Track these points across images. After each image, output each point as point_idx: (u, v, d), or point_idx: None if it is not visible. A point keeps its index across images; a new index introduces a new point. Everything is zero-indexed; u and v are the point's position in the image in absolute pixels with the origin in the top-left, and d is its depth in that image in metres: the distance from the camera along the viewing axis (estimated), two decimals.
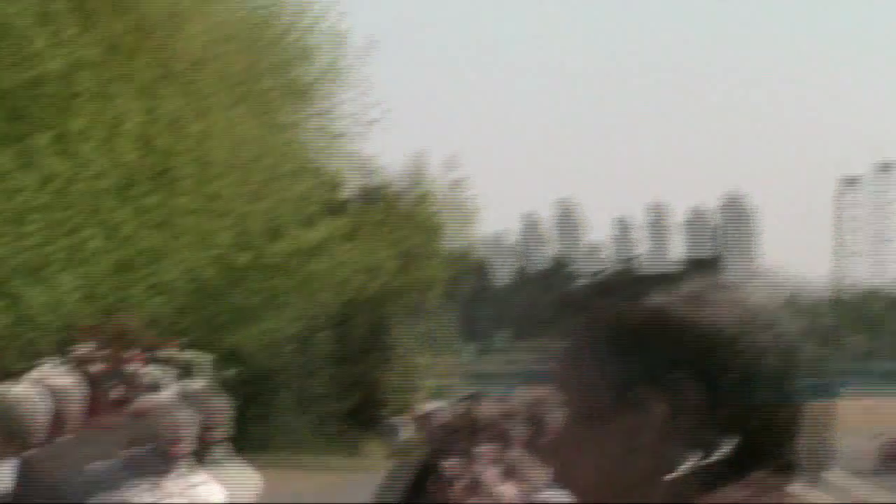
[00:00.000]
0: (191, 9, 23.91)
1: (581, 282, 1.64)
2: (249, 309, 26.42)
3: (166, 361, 12.88)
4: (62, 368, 9.18)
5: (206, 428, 5.47)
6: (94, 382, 9.36)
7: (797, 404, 1.29)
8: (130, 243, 20.78)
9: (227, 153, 23.55)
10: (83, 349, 11.93)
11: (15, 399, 5.30)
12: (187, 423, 5.26)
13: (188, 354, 14.85)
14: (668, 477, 1.27)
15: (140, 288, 20.84)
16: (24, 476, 5.02)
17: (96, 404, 9.87)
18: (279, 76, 26.51)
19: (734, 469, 1.27)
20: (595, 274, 1.54)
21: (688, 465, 1.27)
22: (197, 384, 6.67)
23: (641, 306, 1.34)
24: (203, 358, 16.14)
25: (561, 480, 1.40)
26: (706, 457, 1.27)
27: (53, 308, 18.86)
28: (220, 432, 5.85)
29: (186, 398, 5.54)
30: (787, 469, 1.30)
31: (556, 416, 1.40)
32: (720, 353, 1.29)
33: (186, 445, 5.23)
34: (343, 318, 31.44)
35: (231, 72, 24.49)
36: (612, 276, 1.55)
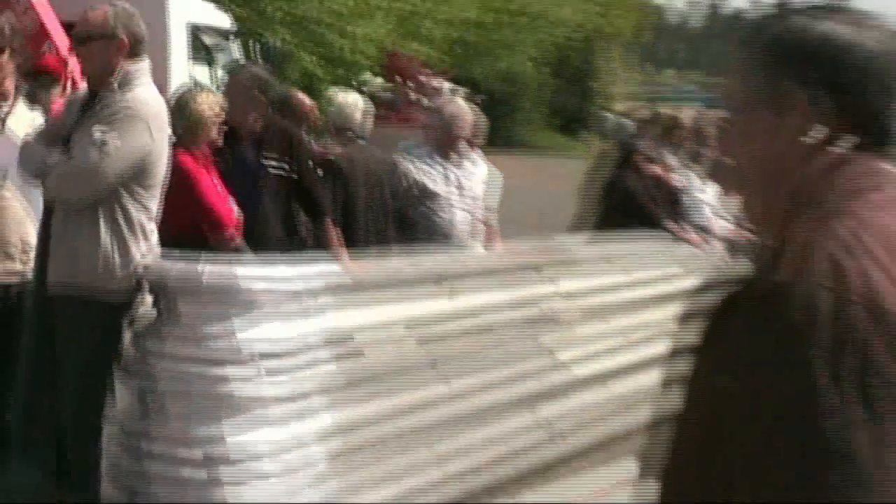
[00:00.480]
0: None
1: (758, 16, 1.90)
2: (493, 49, 33.57)
3: (439, 85, 18.12)
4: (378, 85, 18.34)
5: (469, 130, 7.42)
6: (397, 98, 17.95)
7: None
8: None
9: None
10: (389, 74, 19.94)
11: (345, 103, 7.28)
12: (461, 124, 7.27)
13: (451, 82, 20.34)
14: (809, 147, 1.68)
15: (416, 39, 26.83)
16: (349, 160, 6.89)
17: (399, 111, 17.59)
18: None
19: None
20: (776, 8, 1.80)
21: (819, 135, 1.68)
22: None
23: (808, 28, 1.70)
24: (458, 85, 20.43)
25: (726, 166, 1.80)
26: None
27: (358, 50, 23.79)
28: (480, 133, 8.07)
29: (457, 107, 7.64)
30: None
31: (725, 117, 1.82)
32: (849, 74, 1.67)
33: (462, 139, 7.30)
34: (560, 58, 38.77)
35: None
36: (784, 8, 1.81)
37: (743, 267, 1.75)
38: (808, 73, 1.69)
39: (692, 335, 1.75)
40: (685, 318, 1.84)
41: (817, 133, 1.67)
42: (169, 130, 5.07)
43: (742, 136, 1.77)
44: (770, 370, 1.55)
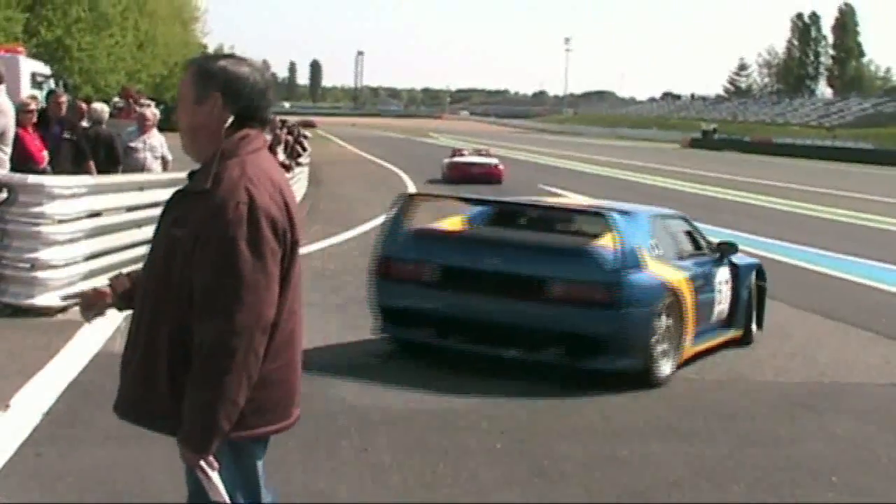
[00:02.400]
0: None
1: None
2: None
3: (145, 101, 33.55)
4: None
5: None
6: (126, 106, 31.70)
7: None
8: None
9: None
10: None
11: (101, 108, 16.86)
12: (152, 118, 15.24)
13: None
14: None
15: None
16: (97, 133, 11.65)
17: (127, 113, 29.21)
18: None
19: None
20: None
21: None
22: None
23: None
24: None
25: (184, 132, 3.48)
26: None
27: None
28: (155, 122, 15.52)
29: None
30: None
31: None
32: None
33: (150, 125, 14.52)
34: None
35: None
36: None
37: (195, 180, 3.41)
38: (221, 87, 3.32)
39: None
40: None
41: (227, 118, 3.32)
42: (14, 116, 11.06)
43: (191, 116, 3.37)
44: (207, 229, 3.19)
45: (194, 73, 3.43)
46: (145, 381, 3.35)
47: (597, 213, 9.84)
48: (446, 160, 41.36)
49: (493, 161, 40.69)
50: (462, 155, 42.94)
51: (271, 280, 3.24)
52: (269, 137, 21.65)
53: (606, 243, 9.19)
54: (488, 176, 38.61)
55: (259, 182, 3.29)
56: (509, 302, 9.26)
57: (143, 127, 15.20)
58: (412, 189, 33.49)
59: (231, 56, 3.51)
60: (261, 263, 3.21)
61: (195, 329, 3.20)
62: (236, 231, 3.19)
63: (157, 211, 11.43)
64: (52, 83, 26.04)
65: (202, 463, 3.22)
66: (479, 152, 44.75)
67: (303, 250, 12.34)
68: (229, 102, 3.35)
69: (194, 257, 3.23)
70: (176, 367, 3.27)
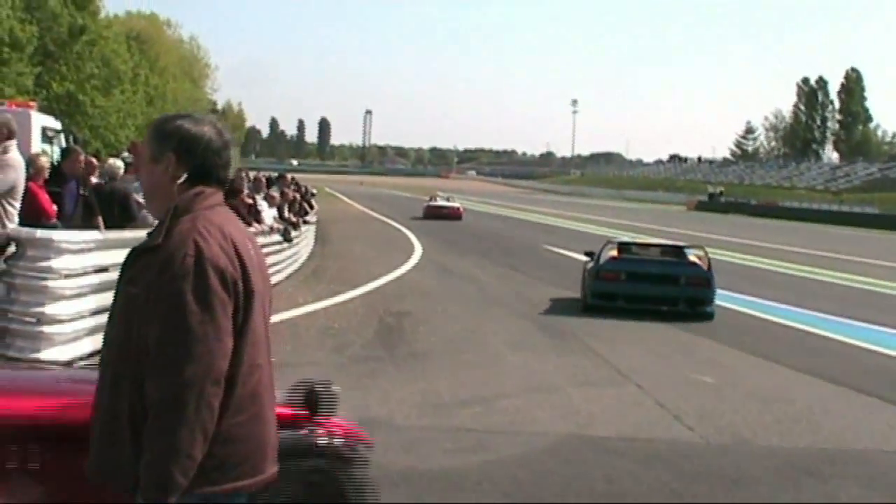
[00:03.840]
0: None
1: None
2: None
3: None
4: None
5: None
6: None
7: None
8: None
9: None
10: None
11: (114, 164, 15.14)
12: None
13: None
14: None
15: None
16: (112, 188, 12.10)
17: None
18: None
19: None
20: None
21: None
22: None
23: None
24: None
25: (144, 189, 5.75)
26: None
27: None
28: None
29: None
30: None
31: None
32: None
33: None
34: None
35: None
36: None
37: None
38: (175, 147, 3.42)
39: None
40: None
41: (181, 176, 3.41)
42: (24, 171, 11.11)
43: (148, 174, 3.49)
44: (156, 283, 3.24)
45: (151, 132, 3.52)
46: (110, 440, 3.36)
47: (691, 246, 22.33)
48: (425, 204, 60.98)
49: (456, 205, 59.99)
50: (435, 200, 62.72)
51: (221, 332, 3.25)
52: (276, 194, 21.79)
53: (702, 261, 20.57)
54: (452, 214, 57.15)
55: (208, 234, 3.33)
56: (663, 287, 19.57)
57: None
58: (417, 247, 33.70)
59: (188, 116, 3.58)
60: (209, 315, 3.23)
61: (147, 385, 3.21)
62: (182, 283, 3.22)
63: None
64: (62, 138, 26.17)
65: None
66: (447, 199, 63.47)
67: (308, 308, 12.37)
68: (183, 161, 3.43)
69: (147, 313, 3.26)
70: (137, 425, 3.27)
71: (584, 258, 21.68)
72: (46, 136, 25.57)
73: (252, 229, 18.03)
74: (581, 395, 11.80)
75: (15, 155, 10.96)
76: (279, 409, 3.93)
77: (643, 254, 21.37)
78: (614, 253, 20.89)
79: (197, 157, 3.44)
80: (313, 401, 5.03)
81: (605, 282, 19.60)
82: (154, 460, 3.17)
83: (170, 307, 3.22)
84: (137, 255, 3.43)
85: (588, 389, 12.17)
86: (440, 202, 61.05)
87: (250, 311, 3.40)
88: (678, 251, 21.32)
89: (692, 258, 20.69)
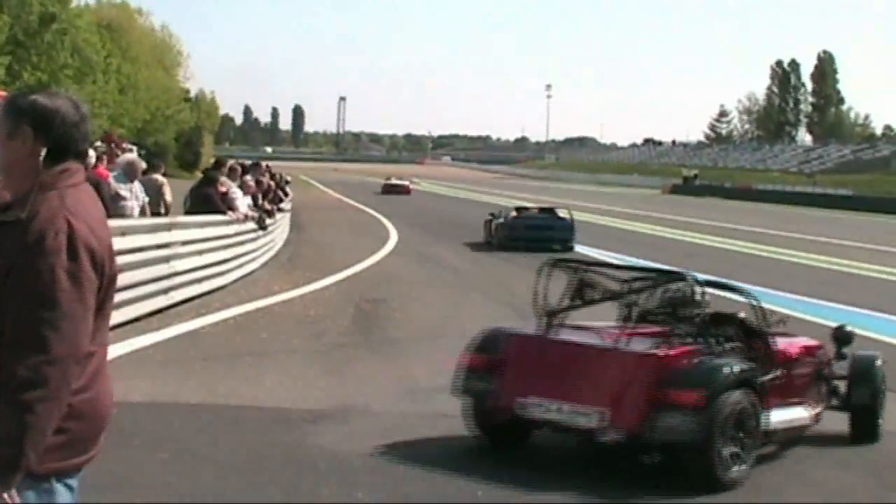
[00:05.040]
0: None
1: None
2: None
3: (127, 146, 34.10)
4: None
5: None
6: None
7: None
8: None
9: None
10: None
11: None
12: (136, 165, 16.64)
13: None
14: None
15: None
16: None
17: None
18: None
19: None
20: None
21: None
22: None
23: None
24: None
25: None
26: None
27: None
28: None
29: None
30: None
31: None
32: None
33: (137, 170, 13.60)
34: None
35: None
36: None
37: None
38: (31, 121, 3.32)
39: None
40: None
41: (40, 151, 3.30)
42: None
43: (6, 151, 3.36)
44: (24, 258, 3.15)
45: (5, 108, 3.43)
46: None
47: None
48: (382, 182, 79.76)
49: (406, 183, 79.91)
50: (391, 180, 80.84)
51: (87, 311, 3.22)
52: (251, 182, 21.69)
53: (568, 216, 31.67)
54: (404, 191, 75.85)
55: (78, 213, 3.28)
56: (544, 231, 30.69)
57: (131, 174, 15.08)
58: (393, 233, 33.69)
59: (43, 90, 3.51)
60: (78, 294, 3.19)
61: (5, 361, 3.10)
62: (55, 260, 3.16)
63: (139, 257, 11.25)
64: None
65: (5, 496, 3.08)
66: (399, 178, 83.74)
67: (284, 296, 12.31)
68: (41, 136, 3.35)
69: (6, 289, 3.16)
70: None
71: (489, 217, 32.89)
72: None
73: (227, 217, 17.99)
74: None
75: None
76: None
77: (532, 213, 33.61)
78: (515, 213, 32.57)
79: (54, 131, 3.36)
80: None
81: (511, 230, 30.89)
82: (7, 438, 3.06)
83: (40, 284, 3.14)
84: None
85: None
86: (394, 181, 79.77)
87: (110, 291, 3.38)
88: (552, 210, 33.88)
89: (562, 214, 32.65)
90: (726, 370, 7.89)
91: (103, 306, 3.36)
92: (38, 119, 3.35)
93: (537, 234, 30.49)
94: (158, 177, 17.28)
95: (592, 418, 7.77)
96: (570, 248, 29.84)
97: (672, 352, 7.99)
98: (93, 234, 3.29)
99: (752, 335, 8.77)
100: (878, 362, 9.71)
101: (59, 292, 3.15)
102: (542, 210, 34.10)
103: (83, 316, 3.21)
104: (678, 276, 9.19)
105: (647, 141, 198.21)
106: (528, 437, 8.73)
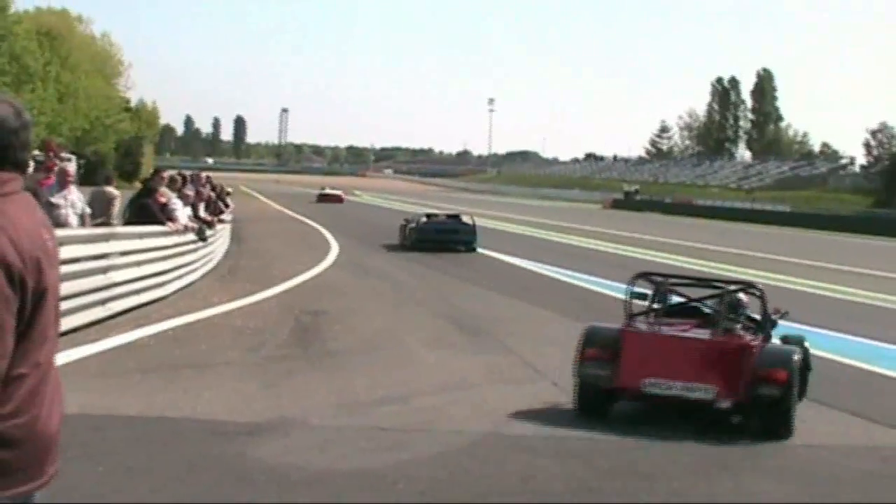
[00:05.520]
0: None
1: None
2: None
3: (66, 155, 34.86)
4: None
5: None
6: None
7: None
8: None
9: None
10: None
11: None
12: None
13: None
14: None
15: None
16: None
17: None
18: None
19: None
20: None
21: None
22: None
23: None
24: None
25: None
26: None
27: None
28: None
29: None
30: None
31: None
32: None
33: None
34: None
35: None
36: None
37: None
38: None
39: None
40: None
41: None
42: None
43: None
44: None
45: None
46: None
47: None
48: (317, 192, 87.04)
49: (338, 192, 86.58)
50: (324, 189, 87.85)
51: (4, 330, 2.92)
52: (191, 193, 21.57)
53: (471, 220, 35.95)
54: (336, 200, 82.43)
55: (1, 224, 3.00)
56: (450, 235, 35.46)
57: (63, 182, 15.00)
58: (333, 245, 33.63)
59: None
60: None
61: None
62: None
63: (76, 267, 11.14)
64: None
65: None
66: (332, 188, 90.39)
67: (223, 308, 12.24)
68: None
69: None
70: None
71: (403, 222, 37.82)
72: None
73: (166, 227, 17.89)
74: (497, 392, 11.83)
75: None
76: None
77: (440, 218, 37.94)
78: (425, 219, 36.99)
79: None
80: None
81: (421, 232, 35.48)
82: None
83: None
84: None
85: (504, 387, 12.20)
86: (328, 191, 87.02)
87: (40, 308, 3.09)
88: (458, 216, 38.14)
89: (466, 219, 37.05)
90: (795, 355, 10.68)
91: (32, 323, 3.08)
92: None
93: (444, 236, 35.53)
94: (111, 189, 17.16)
95: (708, 392, 10.40)
96: (473, 249, 34.97)
97: (758, 342, 10.79)
98: (13, 246, 2.99)
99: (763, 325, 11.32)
100: (796, 357, 10.82)
101: None
102: (449, 216, 38.52)
103: None
104: (749, 284, 11.99)
105: (588, 156, 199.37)
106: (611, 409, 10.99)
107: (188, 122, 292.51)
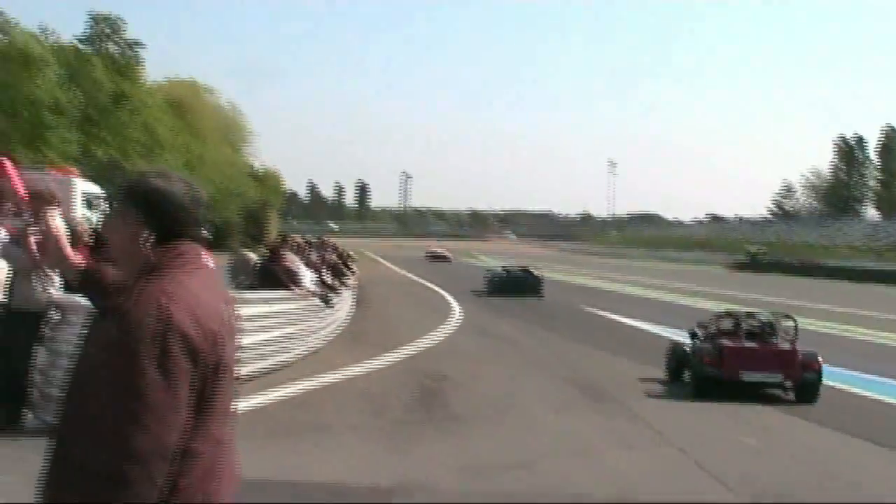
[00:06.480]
0: None
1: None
2: None
3: None
4: None
5: None
6: None
7: None
8: None
9: None
10: None
11: None
12: None
13: None
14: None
15: None
16: None
17: None
18: None
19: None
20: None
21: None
22: None
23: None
24: None
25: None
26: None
27: None
28: None
29: None
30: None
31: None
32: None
33: None
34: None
35: None
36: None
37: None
38: (142, 203, 3.25)
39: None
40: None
41: (148, 234, 3.22)
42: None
43: (117, 234, 3.29)
44: (115, 347, 2.94)
45: (118, 191, 3.37)
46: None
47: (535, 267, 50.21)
48: (426, 251, 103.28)
49: (446, 253, 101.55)
50: (433, 249, 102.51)
51: (178, 403, 2.94)
52: (316, 258, 21.82)
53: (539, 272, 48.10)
54: (445, 258, 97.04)
55: (177, 297, 3.06)
56: (520, 284, 46.49)
57: None
58: (455, 308, 33.68)
59: (156, 173, 3.38)
60: (167, 384, 2.93)
61: (88, 452, 2.88)
62: (141, 347, 2.92)
63: None
64: (104, 204, 26.46)
65: None
66: (441, 248, 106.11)
67: (347, 372, 12.30)
68: (149, 218, 3.24)
69: (94, 377, 2.96)
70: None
71: (485, 273, 50.24)
72: (88, 203, 25.92)
73: (292, 293, 18.10)
74: (623, 457, 11.72)
75: (58, 222, 11.07)
76: None
77: (512, 271, 49.08)
78: (500, 270, 49.43)
79: (164, 214, 3.25)
80: None
81: (496, 283, 46.67)
82: None
83: (125, 372, 2.91)
84: (103, 315, 3.19)
85: (629, 452, 12.08)
86: (437, 251, 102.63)
87: (218, 383, 3.12)
88: (528, 269, 48.73)
89: (535, 272, 47.44)
90: (819, 356, 17.22)
91: (210, 398, 3.10)
92: (147, 201, 3.25)
93: (516, 285, 46.19)
94: (250, 254, 17.46)
95: (779, 377, 17.10)
96: (541, 296, 44.62)
97: (799, 348, 17.33)
98: (194, 321, 3.04)
99: None
100: (820, 357, 17.24)
101: (144, 382, 2.91)
102: (521, 269, 49.48)
103: (172, 409, 2.95)
104: (788, 315, 18.96)
105: (713, 218, 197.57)
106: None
107: (311, 187, 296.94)
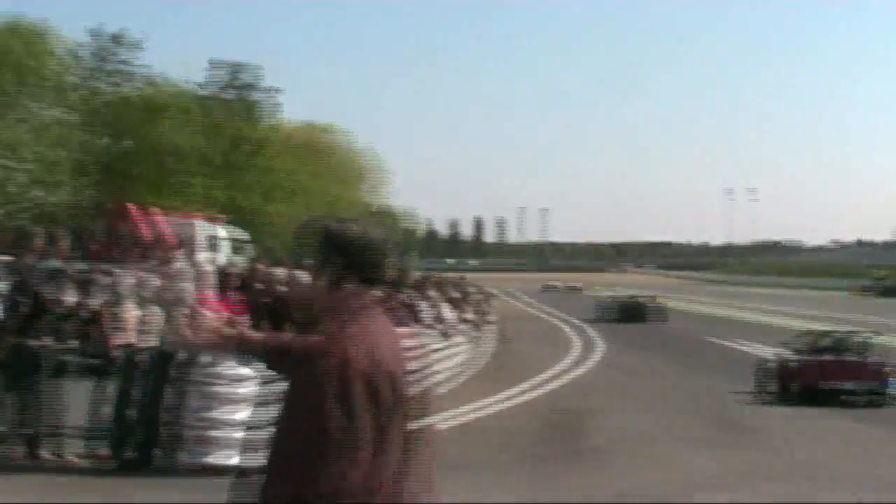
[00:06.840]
0: None
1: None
2: None
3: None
4: None
5: None
6: None
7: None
8: None
9: None
10: None
11: None
12: None
13: None
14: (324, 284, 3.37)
15: None
16: None
17: None
18: None
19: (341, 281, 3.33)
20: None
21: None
22: None
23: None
24: None
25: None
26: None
27: None
28: None
29: None
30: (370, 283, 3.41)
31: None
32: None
33: None
34: None
35: None
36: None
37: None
38: (331, 247, 3.46)
39: None
40: None
41: (335, 277, 3.43)
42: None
43: (315, 279, 3.52)
44: (310, 385, 3.22)
45: (318, 239, 3.55)
46: None
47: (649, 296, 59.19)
48: (542, 285, 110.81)
49: (558, 284, 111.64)
50: (548, 283, 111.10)
51: (360, 440, 3.20)
52: (454, 295, 21.74)
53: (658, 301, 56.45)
54: (573, 290, 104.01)
55: (357, 338, 3.30)
56: (634, 312, 51.99)
57: None
58: (587, 343, 33.42)
59: (346, 219, 3.61)
60: (348, 421, 3.20)
61: (278, 491, 3.21)
62: (325, 387, 3.20)
63: None
64: (247, 249, 27.27)
65: None
66: (556, 282, 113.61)
67: (482, 408, 12.07)
68: (337, 262, 3.43)
69: (291, 415, 3.27)
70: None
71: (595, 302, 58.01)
72: (213, 246, 26.48)
73: (426, 329, 18.00)
74: (760, 491, 11.37)
75: (183, 266, 11.14)
76: None
77: (622, 298, 56.13)
78: (610, 300, 56.53)
79: (352, 258, 3.44)
80: None
81: (606, 311, 52.69)
82: None
83: (311, 410, 3.19)
84: (286, 360, 3.41)
85: (768, 485, 11.73)
86: (554, 283, 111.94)
87: (395, 417, 3.31)
88: (636, 297, 56.22)
89: (643, 300, 54.28)
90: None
91: (388, 435, 3.30)
92: (335, 245, 3.45)
93: (629, 312, 51.10)
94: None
95: (854, 385, 19.84)
96: (666, 320, 50.52)
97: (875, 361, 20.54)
98: (373, 361, 3.27)
99: None
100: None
101: (327, 419, 3.17)
102: (629, 297, 56.79)
103: (354, 444, 3.19)
104: (859, 332, 22.24)
105: (854, 243, 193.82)
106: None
107: (428, 223, 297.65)
